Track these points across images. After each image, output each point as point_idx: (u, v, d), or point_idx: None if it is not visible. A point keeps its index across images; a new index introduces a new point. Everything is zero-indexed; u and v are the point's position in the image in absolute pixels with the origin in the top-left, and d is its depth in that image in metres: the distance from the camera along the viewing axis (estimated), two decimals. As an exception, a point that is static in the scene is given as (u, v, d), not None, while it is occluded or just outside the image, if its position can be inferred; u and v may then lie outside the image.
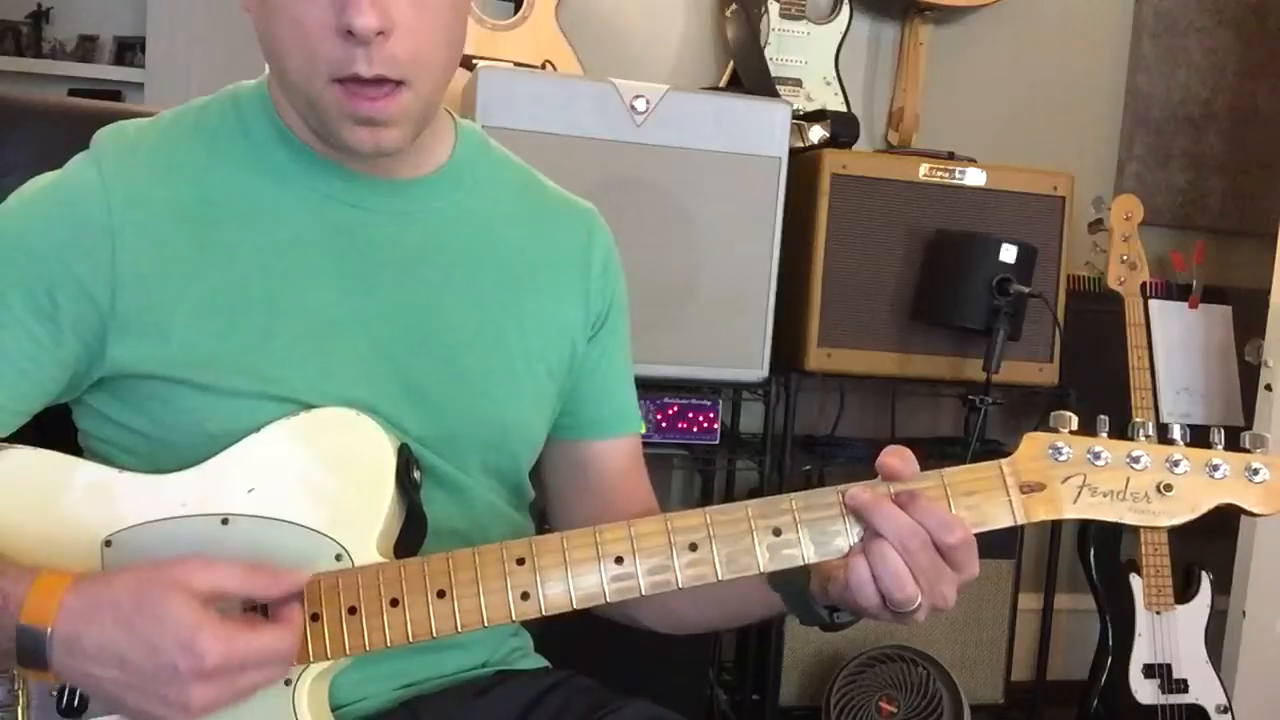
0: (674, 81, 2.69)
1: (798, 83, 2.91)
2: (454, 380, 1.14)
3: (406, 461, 1.06)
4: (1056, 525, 2.87)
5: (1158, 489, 1.00)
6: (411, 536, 1.06)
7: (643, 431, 1.35)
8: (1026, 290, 2.47)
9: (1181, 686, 2.73)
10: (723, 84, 2.90)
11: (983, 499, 1.01)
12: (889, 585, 0.98)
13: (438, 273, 1.16)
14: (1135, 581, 2.74)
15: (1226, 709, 2.73)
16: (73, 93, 3.76)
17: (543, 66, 2.67)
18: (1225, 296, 3.12)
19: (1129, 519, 1.01)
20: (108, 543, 1.02)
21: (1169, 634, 2.73)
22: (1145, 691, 2.72)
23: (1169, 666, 2.73)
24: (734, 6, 2.84)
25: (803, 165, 2.58)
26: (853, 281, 2.59)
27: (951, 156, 2.66)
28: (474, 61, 2.32)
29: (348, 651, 1.00)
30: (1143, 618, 2.73)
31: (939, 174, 2.62)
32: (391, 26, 1.00)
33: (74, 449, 1.12)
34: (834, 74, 2.94)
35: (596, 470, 1.29)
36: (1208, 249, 3.14)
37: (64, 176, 1.08)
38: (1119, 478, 1.00)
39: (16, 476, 1.03)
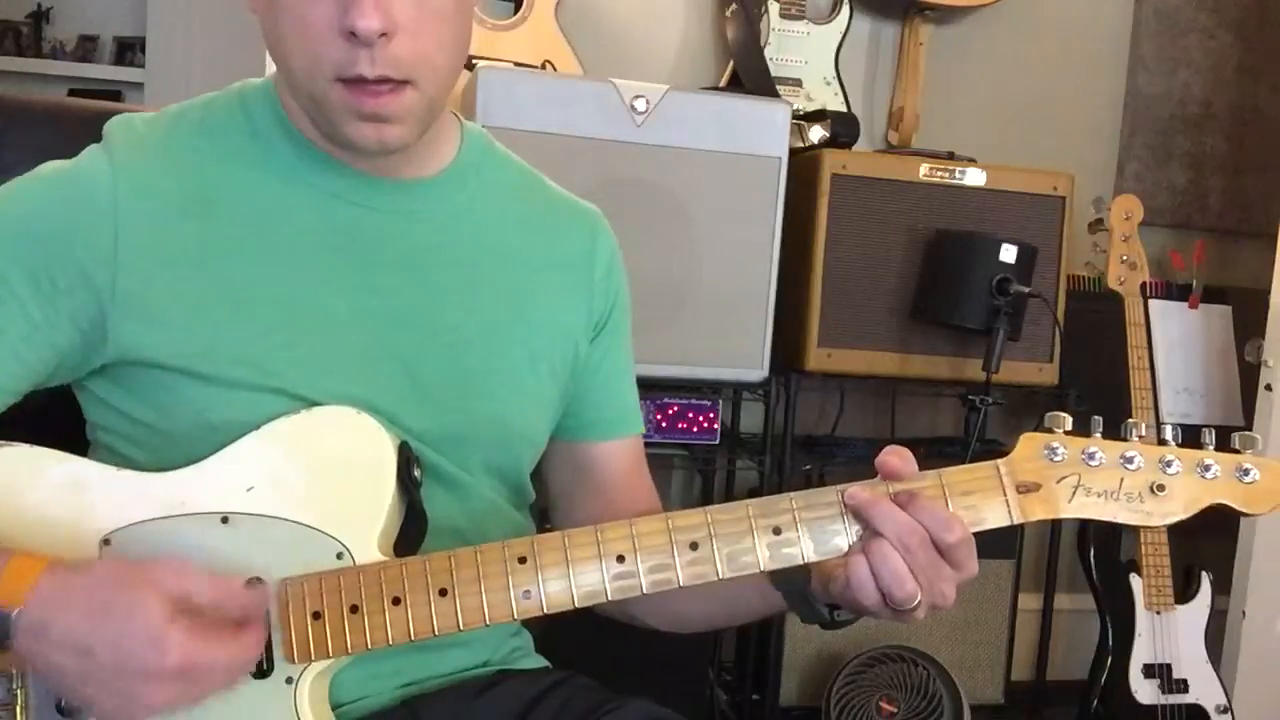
0: (674, 81, 2.69)
1: (798, 83, 2.91)
2: (457, 378, 1.15)
3: (407, 459, 1.06)
4: (1056, 525, 2.87)
5: (1151, 489, 1.02)
6: (412, 535, 1.06)
7: (641, 432, 1.35)
8: (1026, 290, 2.47)
9: (1181, 686, 2.72)
10: (723, 84, 2.90)
11: (980, 499, 1.02)
12: (889, 583, 0.99)
13: (441, 271, 1.16)
14: (1135, 581, 2.73)
15: (1226, 709, 2.73)
16: (73, 93, 3.77)
17: (543, 66, 2.67)
18: (1225, 296, 3.12)
19: (1123, 518, 1.02)
20: (106, 541, 1.02)
21: (1169, 634, 2.73)
22: (1145, 691, 2.72)
23: (1169, 666, 2.73)
24: (734, 6, 2.84)
25: (803, 165, 2.58)
26: (853, 281, 2.59)
27: (951, 156, 2.66)
28: (474, 61, 2.33)
29: (349, 650, 1.01)
30: (1143, 618, 2.73)
31: (939, 174, 2.62)
32: (394, 28, 1.01)
33: (79, 443, 1.12)
34: (834, 74, 2.94)
35: (599, 471, 1.29)
36: (1208, 249, 3.14)
37: (75, 163, 1.09)
38: (1113, 478, 1.02)
39: (15, 473, 1.03)
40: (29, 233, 1.05)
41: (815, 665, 2.67)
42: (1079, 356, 2.77)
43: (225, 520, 1.02)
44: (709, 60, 3.05)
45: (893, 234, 2.61)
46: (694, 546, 1.02)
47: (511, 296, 1.20)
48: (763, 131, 2.41)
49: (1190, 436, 1.04)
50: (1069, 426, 1.03)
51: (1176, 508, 1.02)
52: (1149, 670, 2.72)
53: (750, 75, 2.78)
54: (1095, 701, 2.73)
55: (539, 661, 1.30)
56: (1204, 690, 2.73)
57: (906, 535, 0.99)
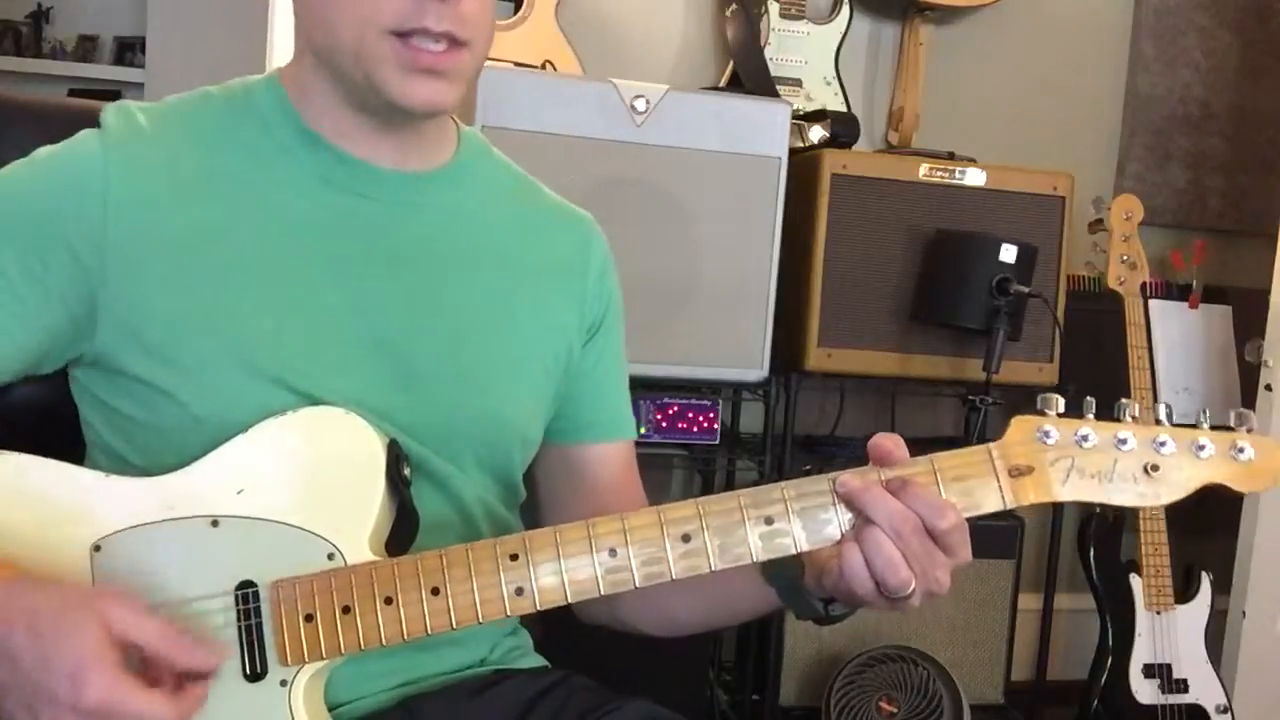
0: (674, 81, 2.69)
1: (798, 83, 2.91)
2: (450, 371, 1.14)
3: (396, 458, 1.06)
4: (1057, 525, 2.87)
5: (1145, 470, 1.01)
6: (403, 533, 1.06)
7: (641, 432, 1.35)
8: (1026, 290, 2.46)
9: (1181, 686, 2.72)
10: (723, 84, 2.90)
11: (973, 483, 1.01)
12: (882, 571, 0.98)
13: (436, 265, 1.16)
14: (1135, 581, 2.73)
15: (1226, 709, 2.73)
16: (73, 93, 3.78)
17: (543, 66, 2.67)
18: (1225, 296, 3.12)
19: (1117, 500, 1.01)
20: (97, 547, 1.02)
21: (1169, 634, 2.73)
22: (1145, 691, 2.71)
23: (1169, 666, 2.73)
24: (734, 6, 2.84)
25: (803, 165, 2.58)
26: (853, 281, 2.59)
27: (951, 156, 2.66)
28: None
29: (343, 651, 1.01)
30: (1143, 618, 2.73)
31: (939, 174, 2.62)
32: None
33: (77, 445, 1.12)
34: (834, 74, 2.94)
35: (590, 474, 1.29)
36: (1208, 249, 3.14)
37: (67, 146, 1.09)
38: (1106, 459, 1.01)
39: (4, 481, 1.03)
40: (19, 213, 1.05)
41: (815, 665, 2.67)
42: (1079, 356, 2.76)
43: (215, 524, 1.02)
44: (709, 60, 3.05)
45: (893, 234, 2.60)
46: (686, 538, 1.01)
47: (506, 295, 1.20)
48: (763, 131, 2.41)
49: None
50: (1061, 409, 1.02)
51: (1171, 488, 1.01)
52: (1149, 670, 2.72)
53: (750, 75, 2.78)
54: (1095, 701, 2.73)
55: (537, 661, 1.30)
56: (1204, 690, 2.73)
57: (899, 522, 0.98)
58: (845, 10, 2.96)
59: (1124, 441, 1.01)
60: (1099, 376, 2.74)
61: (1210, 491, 1.02)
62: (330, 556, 1.02)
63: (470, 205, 1.21)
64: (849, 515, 1.01)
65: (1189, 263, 3.08)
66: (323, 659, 1.01)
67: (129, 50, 3.93)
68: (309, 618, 1.00)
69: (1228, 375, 3.05)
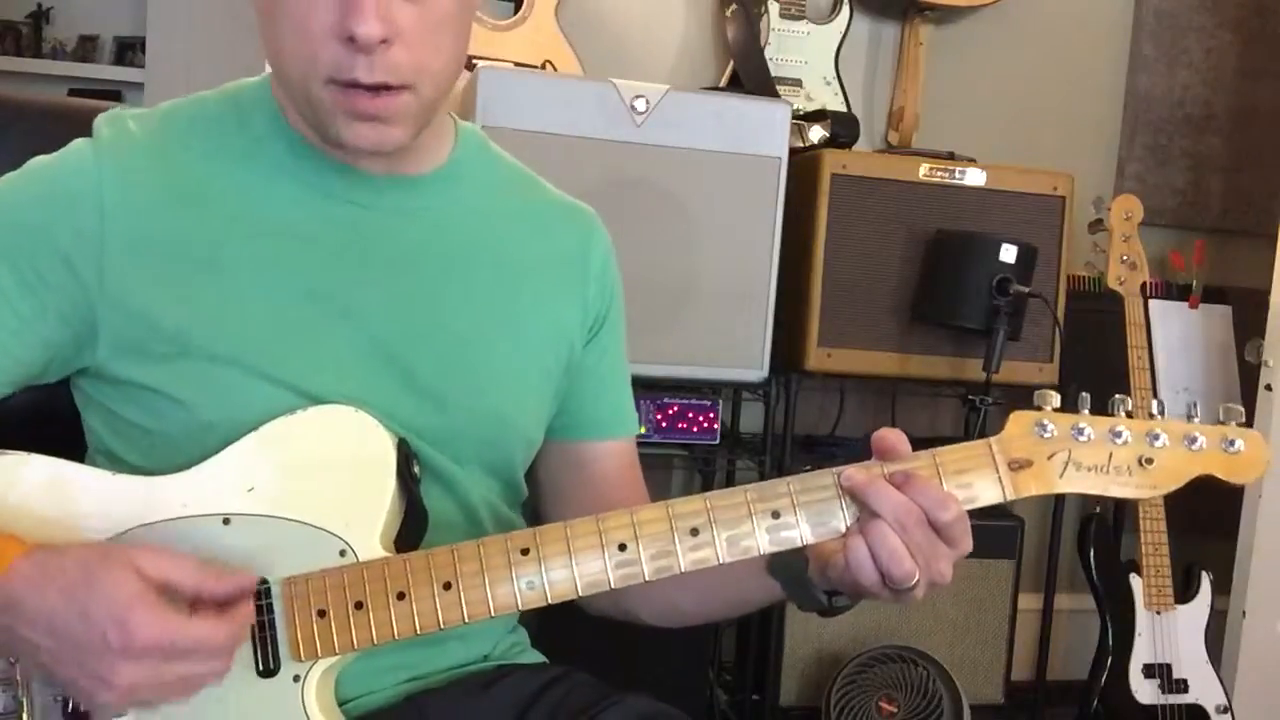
0: (674, 81, 2.69)
1: (798, 83, 2.92)
2: (451, 375, 1.14)
3: (406, 456, 1.06)
4: (1057, 525, 2.87)
5: (1139, 462, 1.04)
6: (413, 530, 1.06)
7: (641, 432, 1.35)
8: (1026, 290, 2.47)
9: (1181, 686, 2.72)
10: (723, 84, 2.90)
11: (973, 476, 1.04)
12: (887, 563, 0.99)
13: (436, 268, 1.16)
14: (1135, 581, 2.73)
15: (1226, 709, 2.73)
16: (73, 93, 3.77)
17: (543, 66, 2.67)
18: (1225, 296, 3.12)
19: (1114, 491, 1.05)
20: None
21: (1169, 634, 2.73)
22: (1145, 691, 2.71)
23: (1169, 666, 2.73)
24: (734, 6, 2.84)
25: (803, 165, 2.58)
26: (853, 281, 2.59)
27: (951, 156, 2.67)
28: (474, 61, 2.33)
29: (356, 646, 1.01)
30: (1143, 618, 2.73)
31: (939, 174, 2.62)
32: (395, 35, 1.00)
33: (75, 448, 1.12)
34: (834, 74, 2.94)
35: (591, 471, 1.30)
36: (1208, 249, 3.14)
37: (60, 156, 1.08)
38: (1102, 452, 1.04)
39: (12, 480, 1.03)
40: (13, 227, 1.05)
41: (815, 665, 2.67)
42: (1079, 356, 2.77)
43: (227, 522, 1.03)
44: (709, 60, 3.06)
45: (893, 234, 2.61)
46: (694, 532, 1.03)
47: (506, 294, 1.19)
48: (763, 131, 2.41)
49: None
50: (1057, 403, 1.05)
51: (1165, 480, 1.05)
52: (1149, 670, 2.72)
53: (750, 75, 2.78)
54: (1095, 701, 2.72)
55: (537, 657, 1.30)
56: (1204, 690, 2.73)
57: (903, 515, 1.00)
58: (845, 10, 2.97)
59: (1119, 435, 1.04)
60: (1099, 377, 2.74)
61: (1210, 489, 1.06)
62: (342, 553, 1.02)
63: (468, 205, 1.20)
64: (853, 508, 1.03)
65: (1189, 263, 3.08)
66: (335, 654, 1.01)
67: (129, 50, 3.93)
68: (321, 613, 1.01)
69: (1228, 375, 3.06)
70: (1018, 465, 1.04)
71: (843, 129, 2.70)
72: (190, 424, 1.05)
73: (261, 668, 1.01)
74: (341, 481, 1.04)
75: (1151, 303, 2.98)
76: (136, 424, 1.08)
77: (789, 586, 1.11)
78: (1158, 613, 2.74)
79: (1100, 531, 2.78)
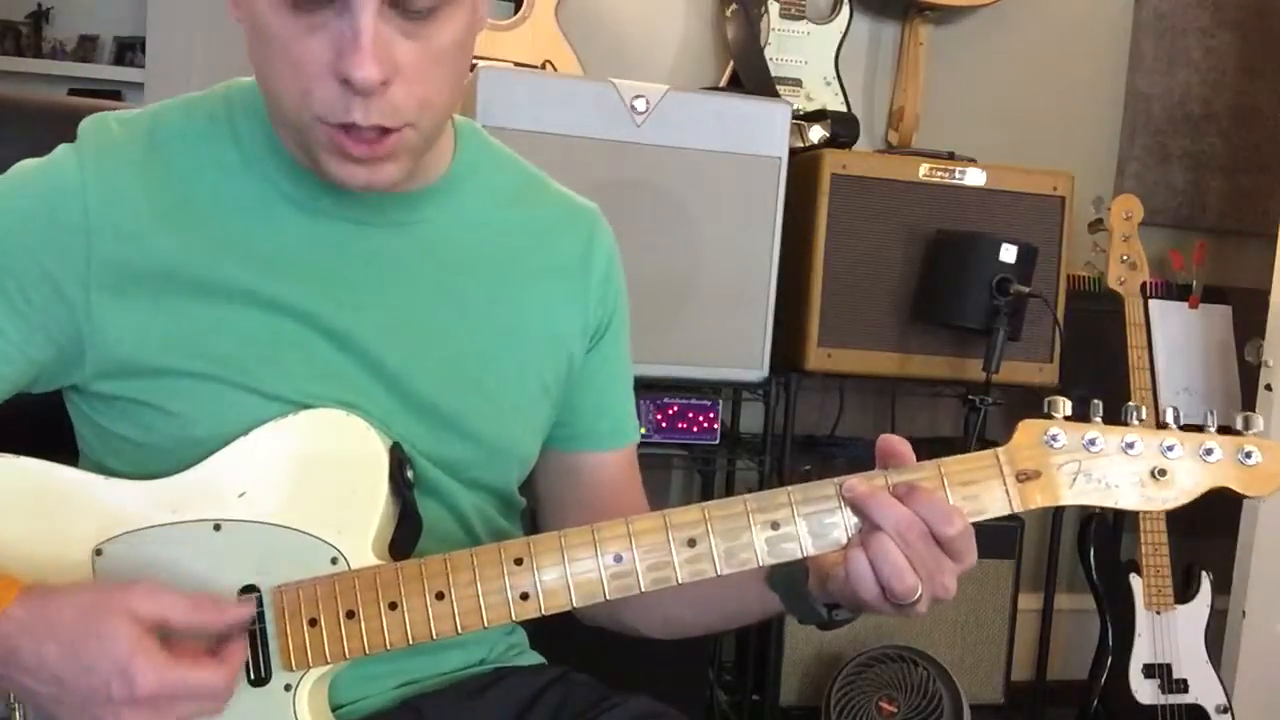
0: (674, 81, 2.69)
1: (798, 83, 2.91)
2: (447, 396, 1.12)
3: (399, 461, 1.05)
4: (1057, 525, 2.88)
5: (1152, 474, 1.00)
6: (406, 537, 1.05)
7: (641, 433, 1.34)
8: (1026, 290, 2.46)
9: (1181, 686, 2.72)
10: (723, 84, 2.90)
11: (979, 488, 1.00)
12: (889, 577, 0.97)
13: (432, 285, 1.13)
14: (1135, 581, 2.73)
15: (1226, 709, 2.73)
16: (73, 92, 3.77)
17: (543, 66, 2.67)
18: (1225, 296, 3.12)
19: (1125, 504, 1.01)
20: (98, 551, 1.01)
21: (1169, 634, 2.73)
22: (1145, 691, 2.71)
23: (1169, 666, 2.73)
24: (734, 6, 2.84)
25: (803, 165, 2.58)
26: (853, 281, 2.59)
27: (951, 156, 2.66)
28: (474, 61, 2.32)
29: (347, 655, 1.00)
30: (1143, 618, 2.73)
31: (939, 174, 2.62)
32: (394, 76, 0.95)
33: (70, 449, 1.12)
34: (834, 74, 2.94)
35: (590, 480, 1.28)
36: (1208, 249, 3.14)
37: (44, 170, 1.05)
38: (1114, 463, 1.01)
39: (4, 486, 1.02)
40: None
41: (815, 665, 2.67)
42: (1079, 356, 2.76)
43: (218, 528, 1.02)
44: (709, 60, 3.05)
45: (893, 234, 2.60)
46: (691, 543, 1.00)
47: (504, 308, 1.17)
48: (763, 131, 2.41)
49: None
50: (1068, 411, 1.02)
51: (1179, 492, 1.00)
52: (1149, 670, 2.72)
53: (750, 75, 2.78)
54: (1095, 701, 2.72)
55: (535, 658, 1.29)
56: (1204, 690, 2.73)
57: (905, 528, 0.97)
58: (845, 10, 2.96)
59: (1132, 445, 1.00)
60: (1099, 377, 2.74)
61: (1216, 494, 1.02)
62: (333, 560, 1.02)
63: (466, 218, 1.16)
64: (855, 520, 1.00)
65: (1189, 263, 3.08)
66: (327, 663, 1.01)
67: (129, 50, 3.92)
68: (313, 622, 1.00)
69: (1228, 375, 3.05)
70: (1025, 476, 1.00)
71: (843, 129, 2.70)
72: (181, 437, 1.04)
73: (253, 677, 1.00)
74: (334, 487, 1.03)
75: (1151, 303, 2.98)
76: (126, 438, 1.07)
77: (788, 599, 1.09)
78: (1158, 613, 2.74)
79: (1100, 531, 2.78)
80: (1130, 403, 1.01)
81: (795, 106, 2.65)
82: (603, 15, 2.97)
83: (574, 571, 1.00)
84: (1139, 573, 2.73)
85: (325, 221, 1.09)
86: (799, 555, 1.01)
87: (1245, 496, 1.01)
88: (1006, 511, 1.01)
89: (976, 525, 1.01)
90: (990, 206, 2.64)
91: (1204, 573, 2.79)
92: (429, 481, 1.12)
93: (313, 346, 1.07)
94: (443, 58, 0.99)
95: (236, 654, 0.97)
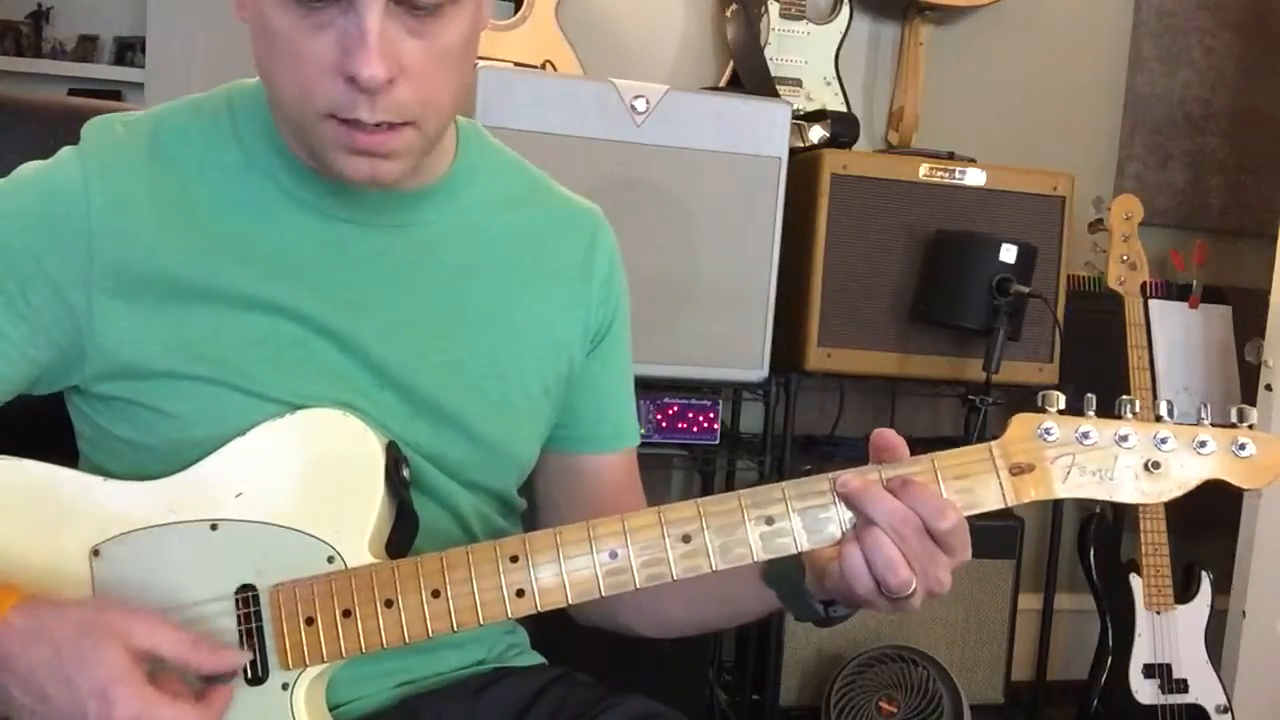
0: (674, 81, 2.69)
1: (798, 83, 2.91)
2: (444, 401, 1.12)
3: (395, 460, 1.05)
4: (1057, 525, 2.87)
5: (1146, 467, 1.00)
6: (403, 536, 1.05)
7: (641, 433, 1.34)
8: (1026, 290, 2.46)
9: (1181, 686, 2.73)
10: (723, 84, 2.90)
11: (973, 481, 1.00)
12: (883, 572, 0.97)
13: (432, 287, 1.13)
14: (1135, 581, 2.73)
15: (1226, 709, 2.73)
16: (73, 93, 3.76)
17: (543, 66, 2.67)
18: (1225, 296, 3.12)
19: (1118, 497, 1.01)
20: (96, 552, 1.01)
21: (1169, 634, 2.73)
22: (1145, 691, 2.72)
23: (1169, 666, 2.73)
24: (734, 6, 2.84)
25: (803, 165, 2.58)
26: (853, 281, 2.59)
27: (951, 156, 2.66)
28: (474, 62, 2.32)
29: (344, 654, 1.00)
30: (1143, 618, 2.73)
31: (939, 174, 2.62)
32: (400, 73, 0.95)
33: (70, 451, 1.12)
34: (834, 74, 2.94)
35: (589, 483, 1.28)
36: (1208, 249, 3.14)
37: (47, 172, 1.06)
38: (1108, 456, 1.00)
39: (3, 487, 1.03)
40: (1, 248, 1.03)
41: (815, 665, 2.67)
42: (1079, 356, 2.76)
43: (214, 527, 1.02)
44: (709, 60, 3.05)
45: (893, 234, 2.61)
46: (686, 539, 1.00)
47: (504, 311, 1.17)
48: (763, 131, 2.41)
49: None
50: (1062, 405, 1.02)
51: (1173, 485, 1.00)
52: (1149, 670, 2.72)
53: (750, 75, 2.78)
54: (1095, 701, 2.73)
55: (535, 658, 1.29)
56: (1204, 690, 2.73)
57: (899, 523, 0.97)
58: (845, 10, 2.96)
59: (1125, 438, 1.00)
60: (1099, 377, 2.74)
61: (1210, 490, 1.02)
62: (330, 559, 1.02)
63: (466, 219, 1.16)
64: (850, 515, 1.00)
65: (1189, 263, 3.08)
66: (324, 662, 1.01)
67: (129, 50, 3.92)
68: (309, 621, 1.00)
69: (1228, 375, 3.05)
70: (1019, 470, 1.00)
71: (843, 129, 2.70)
72: (180, 439, 1.04)
73: (249, 676, 1.00)
74: (330, 486, 1.03)
75: (1151, 303, 2.98)
76: (125, 438, 1.07)
77: (785, 595, 1.09)
78: (1158, 613, 2.74)
79: (1100, 531, 2.78)
80: (1124, 396, 1.02)
81: (795, 106, 2.65)
82: (603, 15, 2.97)
83: (569, 568, 1.00)
84: (1139, 573, 2.73)
85: (326, 221, 1.09)
86: (793, 550, 1.01)
87: (1239, 488, 1.02)
88: (1000, 505, 1.01)
89: (975, 524, 1.01)
90: (990, 206, 2.64)
91: (1204, 573, 2.79)
92: (428, 482, 1.12)
93: (313, 348, 1.07)
94: (447, 57, 0.99)
95: (220, 699, 0.97)
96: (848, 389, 2.95)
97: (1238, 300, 3.09)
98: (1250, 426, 1.02)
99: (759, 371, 2.47)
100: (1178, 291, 3.09)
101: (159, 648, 0.94)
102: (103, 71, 3.90)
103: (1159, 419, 1.02)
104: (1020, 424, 1.02)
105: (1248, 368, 2.86)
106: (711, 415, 2.51)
